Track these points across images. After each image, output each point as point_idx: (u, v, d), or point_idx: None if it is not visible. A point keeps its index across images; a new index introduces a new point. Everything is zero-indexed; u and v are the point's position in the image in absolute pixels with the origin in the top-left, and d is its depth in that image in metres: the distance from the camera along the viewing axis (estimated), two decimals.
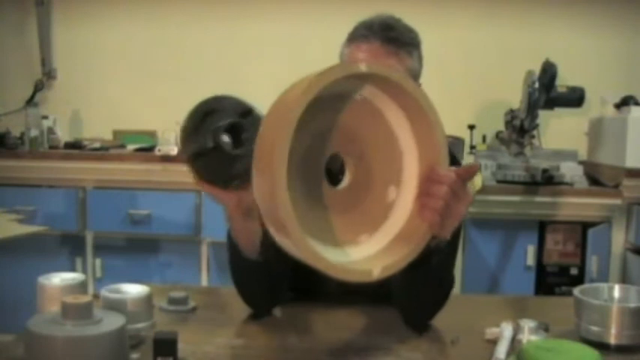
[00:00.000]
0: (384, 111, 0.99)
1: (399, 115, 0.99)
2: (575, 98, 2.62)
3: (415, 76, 1.33)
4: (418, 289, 1.15)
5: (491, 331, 1.11)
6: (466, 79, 3.05)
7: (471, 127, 2.85)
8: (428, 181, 0.98)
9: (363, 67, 0.93)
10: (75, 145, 2.90)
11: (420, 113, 0.98)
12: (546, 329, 1.09)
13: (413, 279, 1.10)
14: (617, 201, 2.49)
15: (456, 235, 1.14)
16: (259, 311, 1.24)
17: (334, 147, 0.98)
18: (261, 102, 3.33)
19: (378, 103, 0.98)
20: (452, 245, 1.14)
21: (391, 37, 1.28)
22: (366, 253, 0.97)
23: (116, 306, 0.99)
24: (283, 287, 1.26)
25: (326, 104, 0.93)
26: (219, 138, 1.04)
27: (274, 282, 1.23)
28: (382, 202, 1.00)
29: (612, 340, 1.07)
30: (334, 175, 1.00)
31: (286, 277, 1.24)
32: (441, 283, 1.19)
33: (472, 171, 0.99)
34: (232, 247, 1.18)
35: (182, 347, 0.95)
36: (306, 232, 0.88)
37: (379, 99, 0.98)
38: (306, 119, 0.87)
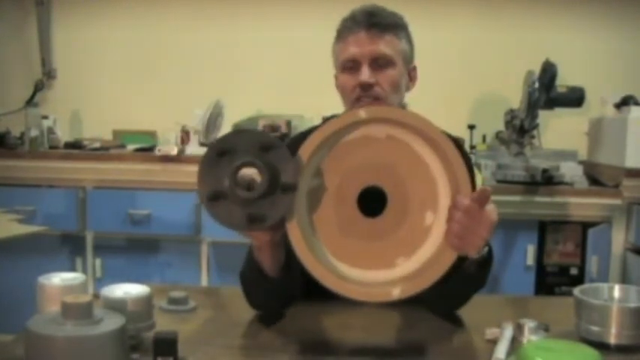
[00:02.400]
0: (411, 144, 1.04)
1: (424, 145, 1.03)
2: (575, 98, 2.62)
3: (406, 57, 1.33)
4: (453, 289, 1.18)
5: (491, 331, 1.11)
6: (466, 79, 3.05)
7: (471, 127, 2.85)
8: (450, 207, 1.02)
9: (362, 114, 1.02)
10: (75, 145, 2.90)
11: (436, 144, 1.02)
12: (546, 329, 1.09)
13: (449, 282, 1.12)
14: (617, 201, 2.49)
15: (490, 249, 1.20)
16: (270, 318, 1.23)
17: (367, 180, 1.04)
18: (261, 102, 3.31)
19: (404, 137, 1.04)
20: (487, 256, 1.19)
21: (374, 22, 1.28)
22: (398, 275, 1.04)
23: (116, 306, 0.98)
24: (296, 296, 1.27)
25: (352, 146, 1.03)
26: (234, 181, 0.97)
27: (290, 295, 1.24)
28: (420, 227, 1.05)
29: (612, 340, 1.07)
30: (376, 204, 1.06)
31: (299, 287, 1.25)
32: (475, 285, 1.23)
33: (485, 195, 1.02)
34: (253, 264, 1.18)
35: (182, 347, 0.95)
36: (339, 259, 1.03)
37: (403, 134, 1.03)
38: (332, 163, 1.02)
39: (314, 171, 1.03)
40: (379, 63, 1.29)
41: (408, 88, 1.36)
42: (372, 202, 1.06)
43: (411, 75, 1.37)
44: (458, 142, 1.37)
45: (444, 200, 1.04)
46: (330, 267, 1.02)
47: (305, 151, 1.01)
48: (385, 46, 1.28)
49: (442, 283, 1.03)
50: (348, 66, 1.30)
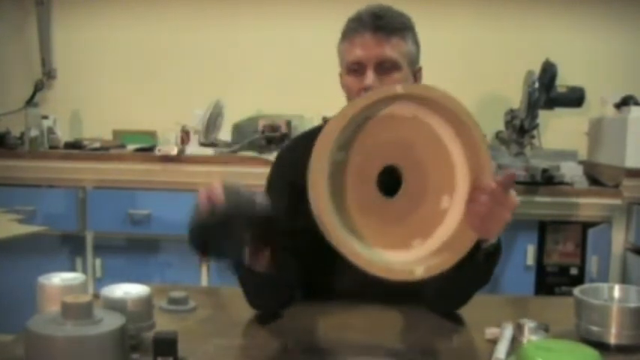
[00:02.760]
0: (435, 127, 1.04)
1: (448, 130, 1.04)
2: (575, 98, 2.62)
3: (412, 59, 1.33)
4: (458, 283, 1.18)
5: (491, 331, 1.11)
6: (466, 79, 3.04)
7: None
8: (473, 189, 1.04)
9: (399, 89, 1.00)
10: (75, 145, 2.90)
11: (464, 128, 1.02)
12: (546, 329, 1.09)
13: (457, 274, 1.12)
14: (617, 201, 2.49)
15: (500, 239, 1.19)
16: (268, 316, 1.23)
17: (388, 160, 1.04)
18: (261, 102, 3.30)
19: (429, 120, 1.04)
20: (497, 247, 1.18)
21: (381, 25, 1.28)
22: (416, 256, 1.04)
23: (116, 306, 0.98)
24: (293, 294, 1.27)
25: (378, 124, 1.02)
26: (241, 253, 1.02)
27: (284, 290, 1.24)
28: (436, 210, 1.06)
29: (612, 340, 1.07)
30: (393, 186, 1.06)
31: (295, 283, 1.26)
32: (480, 279, 1.24)
33: (511, 178, 1.04)
34: (241, 266, 1.17)
35: (182, 347, 0.95)
36: (358, 236, 1.01)
37: (428, 116, 1.03)
38: (356, 139, 1.01)
39: (340, 144, 1.01)
40: (385, 66, 1.28)
41: None
42: (390, 181, 1.06)
43: (417, 76, 1.37)
44: None
45: (462, 185, 1.05)
46: (352, 243, 1.01)
47: (338, 121, 0.98)
48: (391, 49, 1.28)
49: (455, 270, 1.03)
50: (353, 68, 1.30)
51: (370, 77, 1.27)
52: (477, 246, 1.09)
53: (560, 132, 2.95)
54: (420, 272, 1.01)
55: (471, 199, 1.03)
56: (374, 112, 1.01)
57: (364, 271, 0.99)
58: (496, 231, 1.07)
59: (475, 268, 1.16)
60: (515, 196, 1.06)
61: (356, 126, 1.01)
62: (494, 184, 1.02)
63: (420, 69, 1.38)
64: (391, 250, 1.04)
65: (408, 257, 1.04)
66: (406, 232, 1.05)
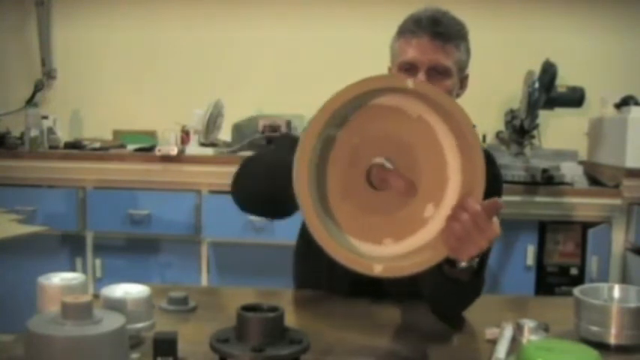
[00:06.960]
0: (439, 134, 1.02)
1: (452, 141, 1.02)
2: (575, 98, 2.62)
3: (462, 67, 1.36)
4: (447, 296, 1.19)
5: (491, 331, 1.11)
6: None
7: None
8: (457, 207, 1.01)
9: (409, 83, 0.97)
10: (75, 145, 2.90)
11: (464, 141, 1.00)
12: (546, 329, 1.09)
13: (442, 287, 1.14)
14: (617, 201, 2.49)
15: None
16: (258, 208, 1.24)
17: (384, 152, 1.01)
18: (261, 102, 3.30)
19: (435, 125, 1.01)
20: (484, 255, 1.17)
21: (438, 32, 1.31)
22: (381, 254, 1.01)
23: (116, 306, 0.98)
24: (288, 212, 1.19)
25: (382, 114, 0.99)
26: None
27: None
28: (418, 216, 1.03)
29: (612, 340, 1.07)
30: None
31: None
32: (470, 291, 1.22)
33: (496, 207, 1.00)
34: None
35: (182, 347, 0.95)
36: (333, 218, 0.98)
37: (436, 122, 1.01)
38: (357, 120, 0.98)
39: (338, 121, 0.98)
40: (437, 71, 1.31)
41: (457, 96, 1.39)
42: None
43: (463, 83, 1.40)
44: (490, 157, 1.36)
45: (450, 198, 1.03)
46: (324, 222, 0.97)
47: (341, 95, 0.93)
48: (445, 56, 1.31)
49: (430, 282, 1.02)
50: (405, 67, 1.33)
51: (421, 79, 1.29)
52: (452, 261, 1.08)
53: (560, 132, 2.95)
54: (378, 270, 0.98)
55: (452, 217, 1.00)
56: (379, 98, 0.99)
57: (330, 256, 0.95)
58: (468, 255, 1.03)
59: (462, 286, 1.15)
60: (497, 227, 1.02)
61: (358, 106, 0.98)
62: (478, 207, 0.99)
63: (467, 76, 1.40)
64: (361, 241, 1.01)
65: (374, 253, 1.01)
66: (381, 228, 1.02)
